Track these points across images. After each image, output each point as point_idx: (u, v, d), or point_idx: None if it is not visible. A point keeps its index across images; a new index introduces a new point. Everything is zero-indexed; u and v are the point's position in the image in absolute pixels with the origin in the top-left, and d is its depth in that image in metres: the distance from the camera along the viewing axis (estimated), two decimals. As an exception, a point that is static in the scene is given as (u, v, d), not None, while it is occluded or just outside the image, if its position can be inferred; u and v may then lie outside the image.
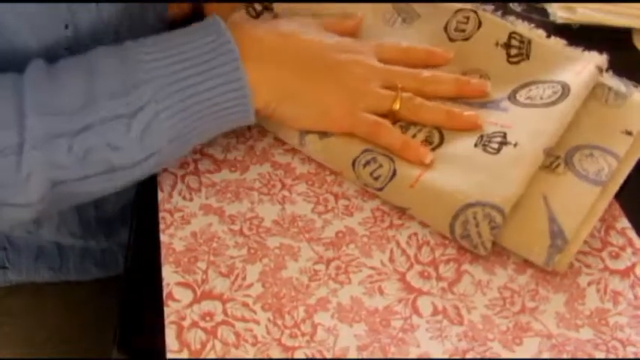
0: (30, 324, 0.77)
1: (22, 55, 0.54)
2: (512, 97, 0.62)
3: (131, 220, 0.61)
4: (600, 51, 0.63)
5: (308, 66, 0.59)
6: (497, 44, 0.66)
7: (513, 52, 0.65)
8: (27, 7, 0.53)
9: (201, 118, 0.55)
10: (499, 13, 0.68)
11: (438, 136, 0.60)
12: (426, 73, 0.63)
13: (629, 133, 0.60)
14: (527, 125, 0.59)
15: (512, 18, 0.67)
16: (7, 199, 0.53)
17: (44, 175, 0.52)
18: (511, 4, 0.76)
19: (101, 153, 0.52)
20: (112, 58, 0.53)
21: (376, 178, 0.58)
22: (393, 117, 0.60)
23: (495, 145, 0.58)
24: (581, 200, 0.56)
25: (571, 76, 0.61)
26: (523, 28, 0.66)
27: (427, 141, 0.60)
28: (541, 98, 0.61)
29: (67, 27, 0.56)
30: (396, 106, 0.60)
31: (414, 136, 0.60)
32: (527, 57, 0.64)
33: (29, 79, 0.52)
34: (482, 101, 0.62)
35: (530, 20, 0.67)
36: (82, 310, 0.77)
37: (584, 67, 0.62)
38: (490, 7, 0.68)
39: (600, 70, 0.62)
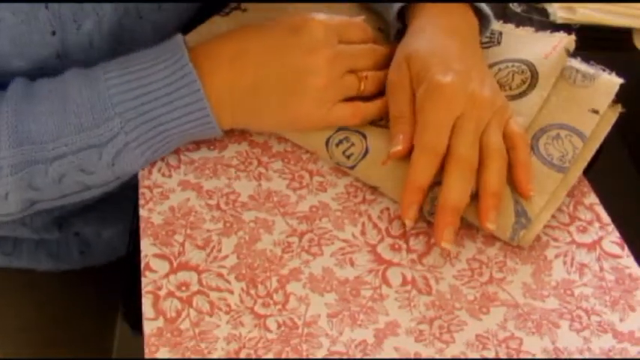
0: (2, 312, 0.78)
1: (14, 74, 0.58)
2: None
3: (134, 208, 0.62)
4: (600, 51, 0.65)
5: (270, 82, 0.59)
6: None
7: (484, 40, 0.66)
8: (18, 33, 0.55)
9: (169, 142, 0.58)
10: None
11: None
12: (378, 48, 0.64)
13: (596, 112, 0.61)
14: None
15: None
16: None
17: (22, 195, 0.57)
18: (511, 5, 0.77)
19: (75, 177, 0.57)
20: (84, 89, 0.56)
21: (348, 157, 0.60)
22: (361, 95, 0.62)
23: None
24: (544, 185, 0.58)
25: (539, 59, 0.63)
26: (494, 24, 0.68)
27: None
28: (510, 88, 0.62)
29: (58, 56, 0.58)
30: (362, 87, 0.61)
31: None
32: (499, 43, 0.66)
33: (9, 102, 0.55)
34: None
35: (530, 20, 0.68)
36: (52, 303, 0.79)
37: (554, 48, 0.63)
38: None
39: (568, 52, 0.63)
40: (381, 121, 0.61)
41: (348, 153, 0.60)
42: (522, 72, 0.62)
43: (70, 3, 0.56)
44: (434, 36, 0.61)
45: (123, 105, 0.55)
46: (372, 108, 0.61)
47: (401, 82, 0.60)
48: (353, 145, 0.60)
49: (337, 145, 0.60)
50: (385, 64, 0.63)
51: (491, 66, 0.64)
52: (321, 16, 0.61)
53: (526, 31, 0.67)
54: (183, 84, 0.56)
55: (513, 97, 0.62)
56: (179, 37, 0.58)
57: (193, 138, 0.60)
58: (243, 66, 0.58)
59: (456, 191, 0.55)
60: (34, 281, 0.78)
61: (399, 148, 0.58)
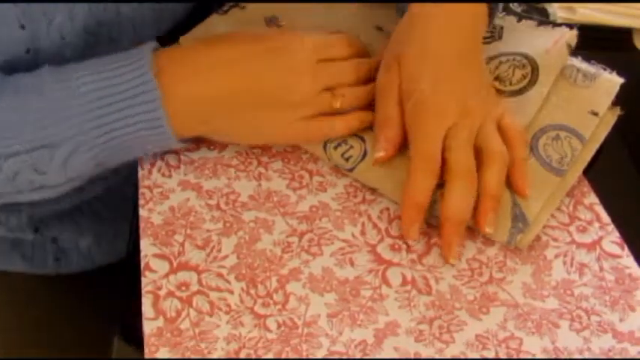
0: None
1: None
2: None
3: (134, 209, 0.62)
4: (600, 51, 0.65)
5: (245, 97, 0.58)
6: None
7: (486, 34, 0.66)
8: None
9: (125, 149, 0.57)
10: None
11: None
12: (360, 63, 0.63)
13: (595, 114, 0.61)
14: None
15: None
16: None
17: None
18: (511, 4, 0.77)
19: (28, 175, 0.56)
20: (50, 88, 0.55)
21: (347, 159, 0.60)
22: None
23: None
24: (542, 188, 0.58)
25: (540, 53, 0.63)
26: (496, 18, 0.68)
27: None
28: (510, 83, 0.62)
29: (28, 51, 0.57)
30: (337, 104, 0.60)
31: None
32: (500, 38, 0.66)
33: None
34: None
35: (535, 20, 0.68)
36: (32, 305, 0.78)
37: (555, 43, 0.63)
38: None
39: (570, 47, 0.63)
40: None
41: (346, 155, 0.60)
42: (523, 66, 0.62)
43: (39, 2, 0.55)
44: (429, 34, 0.59)
45: (80, 107, 0.54)
46: (351, 121, 0.60)
47: (389, 85, 0.60)
48: (351, 147, 0.60)
49: (335, 147, 0.60)
50: (371, 76, 0.62)
51: (491, 59, 0.64)
52: (304, 37, 0.60)
53: (528, 25, 0.67)
54: (141, 91, 0.55)
55: (513, 93, 0.61)
56: (151, 43, 0.57)
57: (157, 147, 0.59)
58: (218, 77, 0.57)
59: (458, 204, 0.55)
60: (12, 283, 0.78)
61: (381, 154, 0.58)
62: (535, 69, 0.62)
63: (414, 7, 0.61)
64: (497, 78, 0.62)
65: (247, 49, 0.59)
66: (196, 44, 0.60)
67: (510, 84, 0.62)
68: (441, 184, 0.56)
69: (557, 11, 0.77)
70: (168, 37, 0.67)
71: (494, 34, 0.66)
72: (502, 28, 0.67)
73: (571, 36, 0.64)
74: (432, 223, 0.57)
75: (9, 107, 0.55)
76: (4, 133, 0.54)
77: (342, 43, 0.63)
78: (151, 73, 0.55)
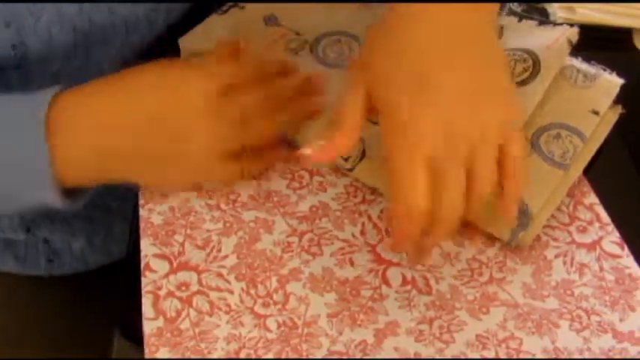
0: None
1: None
2: None
3: (134, 209, 0.62)
4: (600, 51, 0.65)
5: (145, 151, 0.55)
6: None
7: None
8: None
9: None
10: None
11: None
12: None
13: (596, 113, 0.61)
14: None
15: None
16: None
17: None
18: (511, 5, 0.77)
19: None
20: None
21: (346, 159, 0.60)
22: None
23: None
24: (545, 182, 0.58)
25: (541, 48, 0.63)
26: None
27: None
28: (512, 76, 0.62)
29: (14, 47, 0.57)
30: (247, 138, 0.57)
31: None
32: (500, 37, 0.66)
33: None
34: None
35: (536, 20, 0.68)
36: (23, 307, 0.78)
37: (556, 39, 0.63)
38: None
39: (571, 43, 0.63)
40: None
41: (345, 155, 0.60)
42: (524, 60, 0.62)
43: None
44: (411, 41, 0.51)
45: None
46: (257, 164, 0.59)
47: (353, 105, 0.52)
48: None
49: None
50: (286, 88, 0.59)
51: None
52: (200, 74, 0.56)
53: (528, 25, 0.67)
54: (28, 128, 0.52)
55: (516, 85, 0.61)
56: (49, 91, 0.53)
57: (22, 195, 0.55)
58: (111, 136, 0.54)
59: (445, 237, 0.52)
60: (8, 283, 0.77)
61: (307, 151, 0.52)
62: (536, 63, 0.62)
63: (401, 9, 0.52)
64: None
65: (145, 100, 0.55)
66: (91, 98, 0.55)
67: (512, 76, 0.62)
68: None
69: (557, 11, 0.77)
70: (166, 39, 0.67)
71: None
72: (502, 27, 0.67)
73: (572, 32, 0.64)
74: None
75: None
76: None
77: (250, 67, 0.58)
78: (41, 114, 0.51)
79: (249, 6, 0.69)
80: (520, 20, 0.67)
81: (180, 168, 0.56)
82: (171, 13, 0.67)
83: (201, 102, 0.54)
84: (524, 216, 0.56)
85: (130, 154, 0.54)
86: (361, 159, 0.59)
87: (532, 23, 0.67)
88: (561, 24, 0.66)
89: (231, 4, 0.70)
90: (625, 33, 0.76)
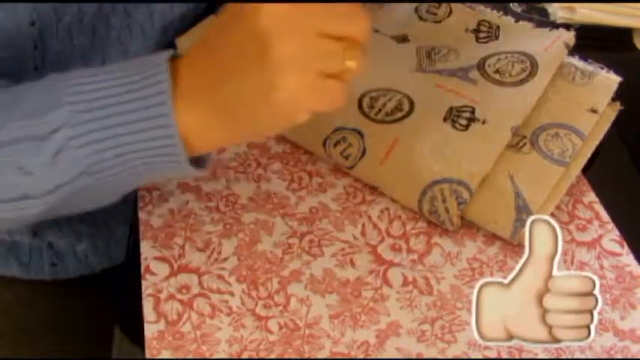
0: None
1: None
2: (481, 66, 0.63)
3: (134, 211, 0.61)
4: (600, 51, 0.65)
5: (243, 103, 0.49)
6: (466, 30, 0.68)
7: (482, 35, 0.67)
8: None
9: (121, 155, 0.49)
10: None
11: (408, 104, 0.61)
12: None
13: (595, 111, 0.61)
14: (496, 103, 0.61)
15: (482, 7, 0.69)
16: None
17: None
18: (511, 5, 0.77)
19: (12, 176, 0.49)
20: (41, 82, 0.50)
21: (346, 157, 0.60)
22: None
23: (464, 122, 0.60)
24: (546, 178, 0.58)
25: (539, 51, 0.63)
26: (492, 16, 0.68)
27: (397, 108, 0.61)
28: (510, 75, 0.62)
29: (35, 47, 0.56)
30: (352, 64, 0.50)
31: (384, 105, 0.61)
32: (497, 38, 0.66)
33: None
34: (451, 68, 0.64)
35: (530, 20, 0.69)
36: (23, 309, 0.78)
37: (552, 43, 0.63)
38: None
39: (567, 46, 0.64)
40: (377, 115, 0.61)
41: (346, 153, 0.60)
42: (522, 62, 0.63)
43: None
44: None
45: (77, 96, 0.48)
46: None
47: None
48: (350, 145, 0.60)
49: (335, 145, 0.60)
50: None
51: (490, 56, 0.64)
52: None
53: (524, 26, 0.67)
54: (152, 92, 0.48)
55: (514, 84, 0.62)
56: (165, 53, 0.50)
57: (153, 166, 0.50)
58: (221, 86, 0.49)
59: None
60: (9, 286, 0.77)
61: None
62: (534, 64, 0.62)
63: None
64: (497, 71, 0.63)
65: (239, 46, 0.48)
66: (194, 56, 0.51)
67: (510, 75, 0.62)
68: (431, 185, 0.56)
69: (557, 11, 0.77)
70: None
71: (490, 34, 0.67)
72: (499, 27, 0.67)
73: (568, 36, 0.64)
74: (432, 220, 0.57)
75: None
76: None
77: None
78: (166, 74, 0.48)
79: None
80: (517, 21, 0.68)
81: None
82: (186, 18, 0.67)
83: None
84: (525, 212, 0.56)
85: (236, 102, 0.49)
86: (361, 157, 0.59)
87: (528, 25, 0.67)
88: (560, 25, 0.66)
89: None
90: (625, 33, 0.76)
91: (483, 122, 0.59)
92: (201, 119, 0.49)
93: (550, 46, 0.63)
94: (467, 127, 0.59)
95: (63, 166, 0.49)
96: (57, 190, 0.50)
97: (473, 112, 0.60)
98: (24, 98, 0.49)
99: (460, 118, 0.60)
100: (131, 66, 0.49)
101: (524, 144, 0.60)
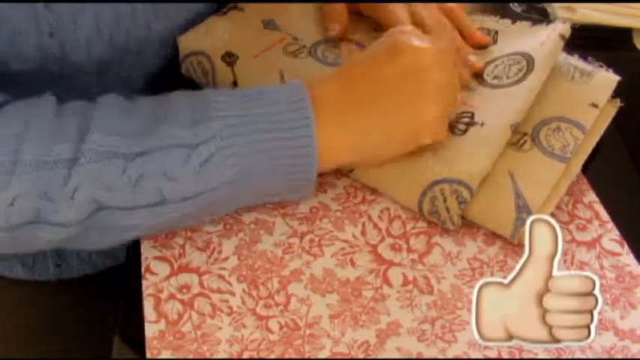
0: None
1: (14, 77, 0.57)
2: (479, 76, 0.64)
3: None
4: (600, 51, 0.65)
5: (378, 129, 0.56)
6: None
7: None
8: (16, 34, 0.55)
9: (261, 164, 0.53)
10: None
11: None
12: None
13: (595, 106, 0.61)
14: (495, 105, 0.61)
15: (480, 16, 0.69)
16: (47, 216, 0.50)
17: (91, 193, 0.50)
18: (511, 5, 0.77)
19: (154, 181, 0.51)
20: (187, 95, 0.54)
21: None
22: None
23: (463, 127, 0.60)
24: (546, 176, 0.58)
25: (535, 47, 0.63)
26: (490, 22, 0.68)
27: None
28: (507, 77, 0.62)
29: (55, 60, 0.57)
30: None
31: None
32: (495, 43, 0.66)
33: (101, 104, 0.53)
34: None
35: (530, 20, 0.69)
36: (20, 312, 0.78)
37: (549, 36, 0.63)
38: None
39: (564, 38, 0.64)
40: None
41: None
42: (518, 62, 0.63)
43: (69, 2, 0.55)
44: None
45: (227, 110, 0.52)
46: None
47: None
48: None
49: None
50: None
51: (488, 63, 0.64)
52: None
53: (522, 26, 0.67)
54: (296, 108, 0.53)
55: (511, 84, 0.62)
56: (297, 82, 0.55)
57: (282, 178, 0.55)
58: (360, 112, 0.56)
59: None
60: (12, 286, 0.77)
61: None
62: (530, 61, 0.62)
63: None
64: (495, 77, 0.63)
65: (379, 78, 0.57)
66: (327, 83, 0.57)
67: (507, 77, 0.62)
68: (431, 185, 0.57)
69: (557, 11, 0.77)
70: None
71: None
72: (497, 32, 0.67)
73: (564, 28, 0.64)
74: (432, 220, 0.57)
75: (143, 113, 0.53)
76: (134, 130, 0.51)
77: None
78: (307, 98, 0.54)
79: (249, 9, 0.69)
80: (514, 22, 0.68)
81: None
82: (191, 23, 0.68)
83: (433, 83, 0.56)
84: (525, 211, 0.56)
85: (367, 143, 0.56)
86: None
87: (526, 24, 0.67)
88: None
89: (231, 5, 0.70)
90: (625, 33, 0.76)
91: (482, 124, 0.59)
92: (341, 144, 0.55)
93: (546, 39, 0.63)
94: (465, 131, 0.59)
95: (209, 174, 0.52)
96: (194, 198, 0.52)
97: (472, 116, 0.60)
98: (173, 108, 0.53)
99: (459, 124, 0.60)
100: (276, 91, 0.54)
101: (525, 141, 0.60)
